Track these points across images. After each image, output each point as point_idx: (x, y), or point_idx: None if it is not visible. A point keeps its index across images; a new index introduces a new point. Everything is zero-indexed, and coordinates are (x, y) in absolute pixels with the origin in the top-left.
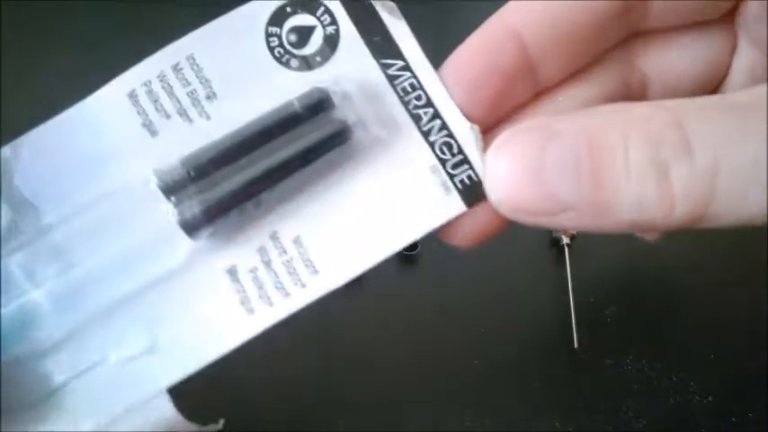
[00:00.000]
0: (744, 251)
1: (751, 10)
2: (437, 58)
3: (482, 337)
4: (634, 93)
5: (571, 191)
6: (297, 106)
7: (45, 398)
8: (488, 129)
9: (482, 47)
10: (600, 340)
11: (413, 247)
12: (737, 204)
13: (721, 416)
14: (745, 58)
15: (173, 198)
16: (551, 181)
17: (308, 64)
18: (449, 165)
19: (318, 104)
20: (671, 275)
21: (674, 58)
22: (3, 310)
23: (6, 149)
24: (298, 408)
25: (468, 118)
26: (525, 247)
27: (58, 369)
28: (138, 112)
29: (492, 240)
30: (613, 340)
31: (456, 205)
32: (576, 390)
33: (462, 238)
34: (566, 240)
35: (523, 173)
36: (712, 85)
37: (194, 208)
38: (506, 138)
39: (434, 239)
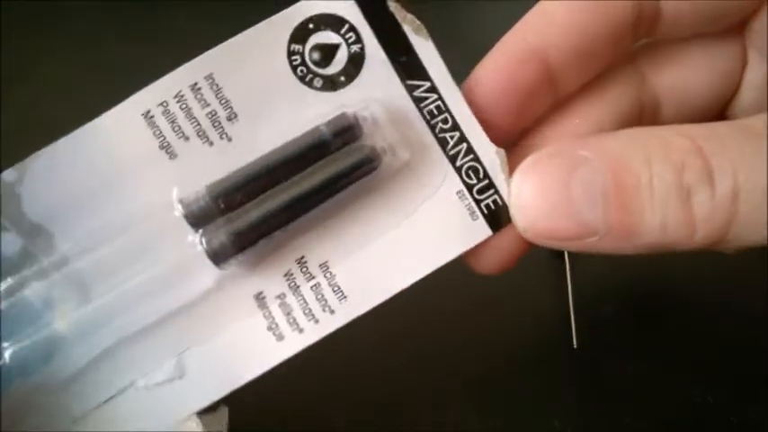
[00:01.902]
0: (745, 252)
1: (761, 24)
2: (450, 59)
3: (481, 337)
4: (647, 111)
5: (598, 216)
6: (325, 133)
7: (70, 425)
8: (511, 140)
9: (504, 64)
10: (599, 340)
11: None
12: (756, 227)
13: (722, 417)
14: (755, 73)
15: (199, 227)
16: (578, 207)
17: (332, 84)
18: (475, 190)
19: (347, 130)
20: (671, 275)
21: (685, 75)
22: (26, 341)
23: (10, 173)
24: (298, 407)
25: (493, 129)
26: None
27: (82, 397)
28: (155, 134)
29: None
30: (613, 340)
31: (482, 230)
32: (576, 389)
33: (488, 264)
34: None
35: (550, 199)
36: (724, 99)
37: (222, 238)
38: (531, 163)
39: None
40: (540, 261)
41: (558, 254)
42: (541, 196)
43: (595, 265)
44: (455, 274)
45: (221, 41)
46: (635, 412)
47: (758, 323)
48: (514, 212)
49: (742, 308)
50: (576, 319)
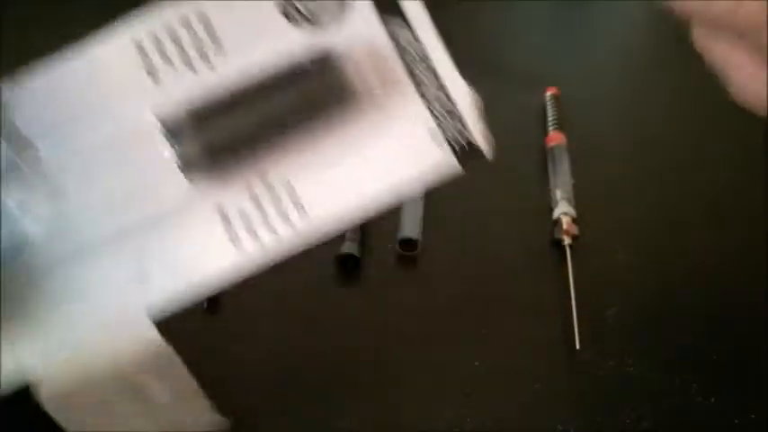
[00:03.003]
0: (745, 253)
1: None
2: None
3: (483, 337)
4: None
5: None
6: (304, 61)
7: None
8: None
9: None
10: (602, 341)
11: (413, 247)
12: None
13: (723, 417)
14: None
15: (173, 140)
16: None
17: (317, 23)
18: (445, 127)
19: (326, 61)
20: (673, 276)
21: None
22: None
23: (8, 88)
24: (298, 407)
25: None
26: (526, 248)
27: (49, 296)
28: (143, 60)
29: (494, 241)
30: (615, 341)
31: (450, 164)
32: (578, 390)
33: None
34: (567, 241)
35: None
36: None
37: (194, 149)
38: None
39: (435, 240)
40: (542, 263)
41: (557, 243)
42: None
43: (597, 266)
44: (456, 275)
45: None
46: (637, 413)
47: (760, 324)
48: None
49: (744, 310)
50: (577, 320)
